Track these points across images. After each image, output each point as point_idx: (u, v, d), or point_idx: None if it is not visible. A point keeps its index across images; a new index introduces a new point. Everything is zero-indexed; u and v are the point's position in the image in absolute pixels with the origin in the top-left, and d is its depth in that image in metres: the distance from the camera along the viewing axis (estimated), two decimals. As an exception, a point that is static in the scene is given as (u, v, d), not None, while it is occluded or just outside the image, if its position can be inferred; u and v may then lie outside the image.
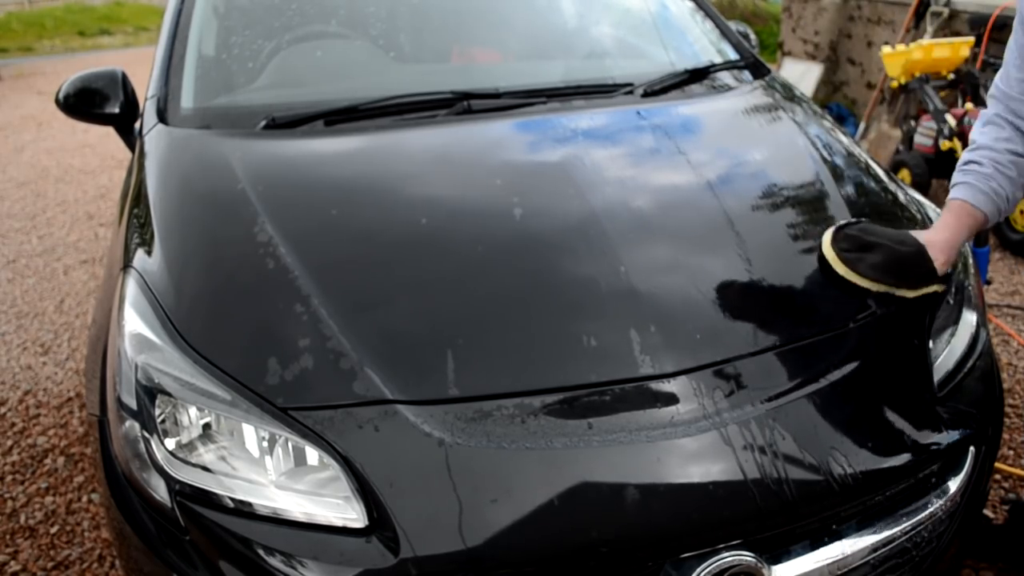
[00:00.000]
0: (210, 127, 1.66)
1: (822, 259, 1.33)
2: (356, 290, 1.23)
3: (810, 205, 1.50)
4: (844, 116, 5.62)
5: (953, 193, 1.38)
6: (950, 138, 3.99)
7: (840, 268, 1.30)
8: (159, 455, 1.11)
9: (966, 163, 1.38)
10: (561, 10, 2.31)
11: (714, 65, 1.99)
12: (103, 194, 5.15)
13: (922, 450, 1.19)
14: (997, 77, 1.38)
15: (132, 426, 1.13)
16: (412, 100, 1.70)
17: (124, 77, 2.07)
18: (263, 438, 1.08)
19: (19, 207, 4.92)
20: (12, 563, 1.94)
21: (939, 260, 1.31)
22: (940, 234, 1.34)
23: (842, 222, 1.38)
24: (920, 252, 1.31)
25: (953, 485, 1.24)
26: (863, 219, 1.40)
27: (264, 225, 1.32)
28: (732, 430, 1.08)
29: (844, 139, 1.81)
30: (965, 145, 3.97)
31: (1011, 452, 2.21)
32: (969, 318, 1.42)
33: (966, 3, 4.73)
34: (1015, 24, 1.32)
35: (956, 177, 1.39)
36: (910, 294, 1.31)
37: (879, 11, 5.66)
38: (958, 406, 1.27)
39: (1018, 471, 2.08)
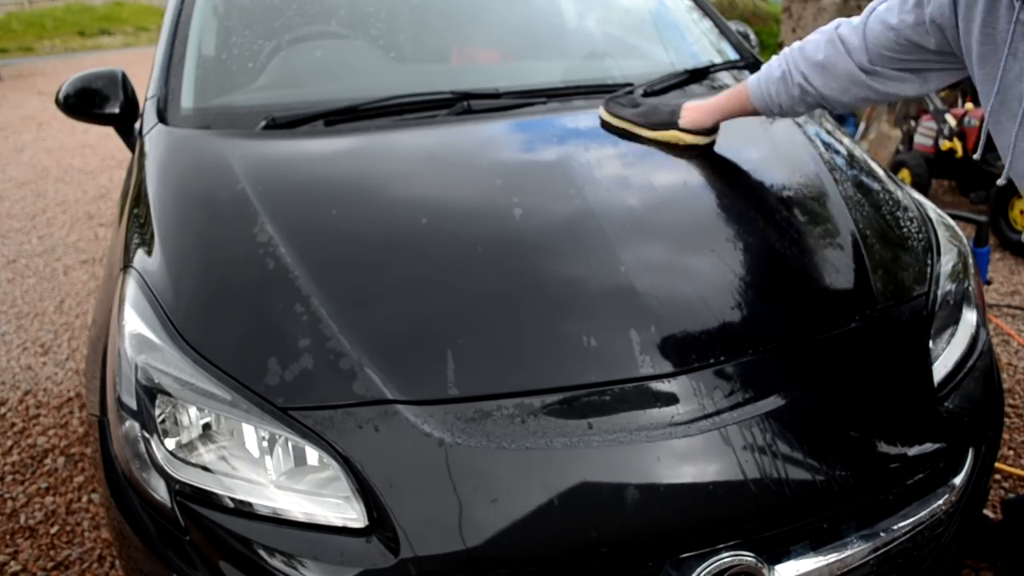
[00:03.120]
0: (210, 127, 1.66)
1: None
2: (356, 290, 1.23)
3: (810, 205, 1.50)
4: (844, 116, 5.62)
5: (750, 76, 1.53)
6: (950, 138, 3.99)
7: (600, 110, 1.62)
8: (159, 455, 1.11)
9: (777, 59, 1.46)
10: (561, 10, 2.31)
11: (714, 65, 1.99)
12: (103, 194, 5.15)
13: (922, 450, 1.19)
14: (870, 10, 1.35)
15: (132, 426, 1.13)
16: (412, 100, 1.70)
17: (124, 77, 2.07)
18: (263, 438, 1.08)
19: (19, 207, 4.93)
20: (12, 563, 1.94)
21: (686, 116, 1.53)
22: (705, 101, 1.55)
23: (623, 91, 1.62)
24: (674, 108, 1.55)
25: (953, 485, 1.24)
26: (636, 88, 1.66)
27: (264, 225, 1.32)
28: (732, 430, 1.08)
29: (844, 139, 1.81)
30: (965, 145, 3.99)
31: (1011, 452, 2.21)
32: (969, 318, 1.42)
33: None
34: None
35: (765, 64, 1.51)
36: (647, 133, 1.57)
37: (879, 11, 5.65)
38: (958, 406, 1.27)
39: (1018, 471, 2.08)
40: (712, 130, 1.57)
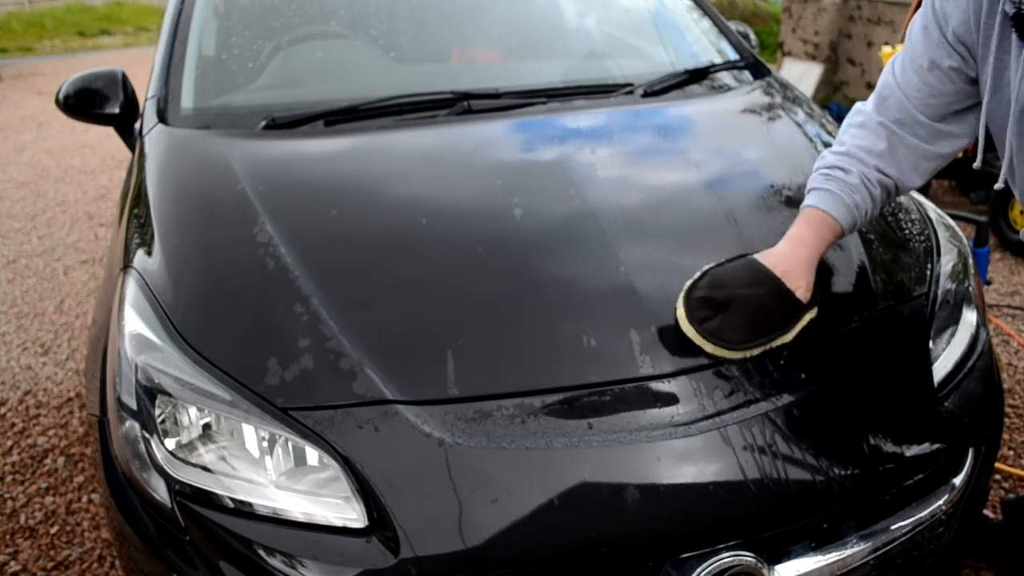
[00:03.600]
0: (210, 127, 1.66)
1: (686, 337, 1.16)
2: (356, 290, 1.23)
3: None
4: (844, 116, 5.62)
5: (812, 199, 1.25)
6: (967, 146, 3.99)
7: (709, 347, 1.14)
8: (159, 455, 1.11)
9: (831, 167, 1.26)
10: (561, 10, 2.31)
11: (714, 65, 1.99)
12: (103, 194, 5.15)
13: (922, 450, 1.19)
14: (893, 64, 1.25)
15: (132, 426, 1.13)
16: (412, 100, 1.70)
17: (124, 77, 2.08)
18: (263, 438, 1.08)
19: (19, 207, 4.93)
20: (12, 563, 1.94)
21: (800, 288, 1.18)
22: (796, 252, 1.20)
23: (688, 283, 1.21)
24: (778, 291, 1.17)
25: (953, 485, 1.24)
26: (705, 267, 1.23)
27: (264, 225, 1.32)
28: (732, 430, 1.08)
29: (844, 139, 1.81)
30: (965, 148, 3.98)
31: (1011, 452, 2.21)
32: (969, 318, 1.42)
33: (966, 3, 4.72)
34: (924, 7, 1.20)
35: (817, 181, 1.27)
36: (788, 338, 1.18)
37: (879, 11, 5.67)
38: (958, 406, 1.27)
39: (1018, 471, 2.08)
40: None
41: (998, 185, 1.21)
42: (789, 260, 1.20)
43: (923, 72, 1.20)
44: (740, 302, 1.17)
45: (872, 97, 1.29)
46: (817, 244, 1.22)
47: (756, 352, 1.17)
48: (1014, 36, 1.07)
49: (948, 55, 1.17)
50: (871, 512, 1.16)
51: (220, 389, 1.11)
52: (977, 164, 1.23)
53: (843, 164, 1.25)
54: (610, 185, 1.45)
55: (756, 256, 1.23)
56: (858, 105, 1.31)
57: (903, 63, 1.24)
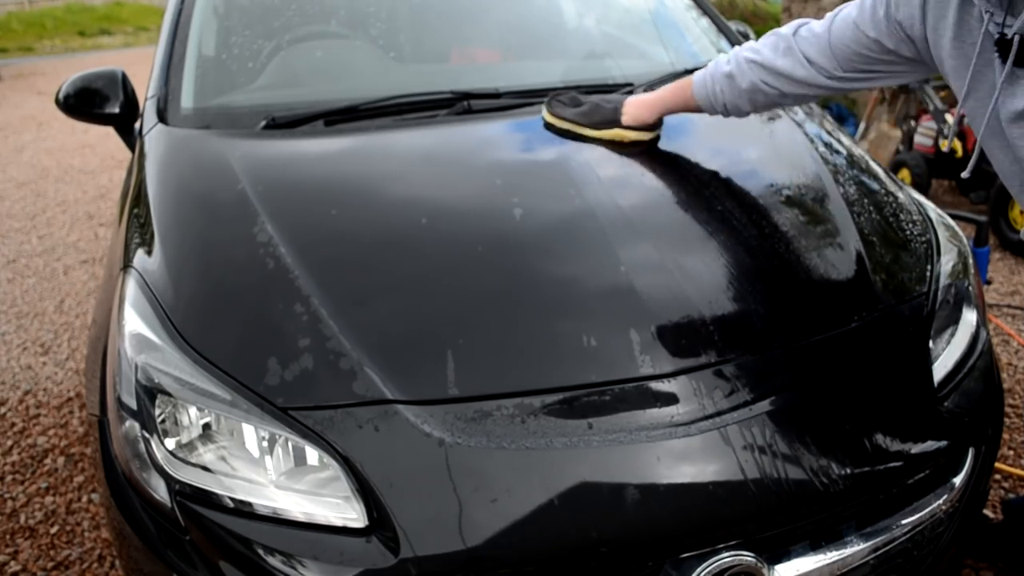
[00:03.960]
0: (210, 127, 1.66)
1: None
2: (356, 290, 1.23)
3: (810, 205, 1.50)
4: (844, 116, 5.62)
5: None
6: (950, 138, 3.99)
7: (542, 111, 1.59)
8: (159, 455, 1.11)
9: (726, 58, 1.45)
10: (561, 10, 2.31)
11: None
12: (103, 194, 5.15)
13: (922, 450, 1.19)
14: (835, 15, 1.33)
15: (132, 426, 1.13)
16: (412, 100, 1.70)
17: (124, 77, 2.08)
18: (263, 438, 1.08)
19: (19, 207, 4.93)
20: (12, 563, 1.94)
21: (628, 112, 1.52)
22: (645, 96, 1.54)
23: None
24: (616, 105, 1.53)
25: (953, 485, 1.24)
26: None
27: (264, 225, 1.32)
28: (732, 430, 1.08)
29: (844, 139, 1.81)
30: (965, 145, 3.99)
31: (1011, 452, 2.21)
32: (969, 318, 1.42)
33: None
34: None
35: (713, 61, 1.49)
36: (590, 132, 1.54)
37: (879, 11, 5.65)
38: (958, 406, 1.27)
39: (1018, 471, 2.08)
40: (655, 125, 1.57)
41: (964, 174, 1.27)
42: (636, 98, 1.56)
43: (860, 35, 1.28)
44: (589, 102, 1.58)
45: (800, 27, 1.37)
46: (665, 95, 1.54)
47: (560, 126, 1.59)
48: (996, 57, 1.10)
49: (889, 36, 1.25)
50: (871, 512, 1.16)
51: (220, 389, 1.11)
52: (966, 174, 1.28)
53: (734, 57, 1.44)
54: (610, 185, 1.45)
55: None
56: (787, 26, 1.40)
57: (843, 19, 1.30)
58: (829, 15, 1.34)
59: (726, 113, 1.49)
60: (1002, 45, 1.08)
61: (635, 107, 1.54)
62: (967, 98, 1.17)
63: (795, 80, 1.37)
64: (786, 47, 1.37)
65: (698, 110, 1.52)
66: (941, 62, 1.20)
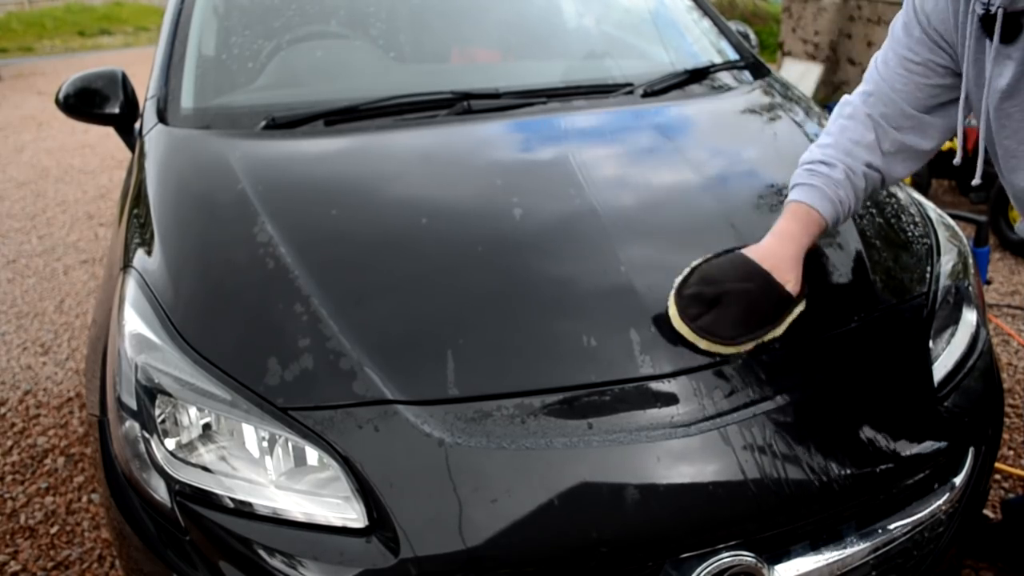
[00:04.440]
0: (210, 127, 1.66)
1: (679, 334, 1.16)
2: (356, 290, 1.23)
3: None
4: (844, 116, 5.62)
5: (797, 194, 1.26)
6: (950, 138, 3.99)
7: (703, 344, 1.14)
8: (159, 455, 1.11)
9: (815, 161, 1.27)
10: (561, 10, 2.31)
11: (714, 65, 1.99)
12: (103, 194, 5.15)
13: (922, 450, 1.19)
14: (876, 59, 1.27)
15: (132, 426, 1.13)
16: (412, 100, 1.70)
17: (124, 77, 2.08)
18: (263, 438, 1.08)
19: (19, 207, 4.93)
20: (12, 563, 1.94)
21: (789, 283, 1.19)
22: (783, 247, 1.21)
23: (678, 280, 1.21)
24: (768, 285, 1.18)
25: (953, 485, 1.24)
26: (693, 263, 1.23)
27: (264, 225, 1.32)
28: (732, 430, 1.08)
29: (844, 139, 1.81)
30: (965, 145, 3.99)
31: (1011, 452, 2.21)
32: (969, 318, 1.42)
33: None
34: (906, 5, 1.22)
35: (801, 176, 1.28)
36: (778, 332, 1.19)
37: (879, 11, 5.67)
38: (958, 406, 1.27)
39: (1018, 471, 2.08)
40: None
41: (975, 181, 1.23)
42: (777, 254, 1.21)
43: (907, 65, 1.22)
44: (731, 297, 1.17)
45: (858, 90, 1.30)
46: (803, 238, 1.23)
47: (749, 347, 1.17)
48: (982, 34, 1.09)
49: (930, 50, 1.19)
50: (871, 512, 1.16)
51: (220, 389, 1.11)
52: (976, 181, 1.23)
53: (828, 158, 1.26)
54: (610, 185, 1.45)
55: (743, 251, 1.23)
56: (846, 97, 1.32)
57: (886, 58, 1.25)
58: (870, 65, 1.28)
59: (847, 217, 1.30)
60: (986, 22, 1.06)
61: (791, 273, 1.20)
62: (971, 87, 1.15)
63: (888, 146, 1.26)
64: (863, 121, 1.26)
65: (824, 232, 1.29)
66: (959, 55, 1.17)
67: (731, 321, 1.15)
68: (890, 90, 1.25)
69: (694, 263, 1.24)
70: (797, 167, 1.31)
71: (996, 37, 1.05)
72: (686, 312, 1.16)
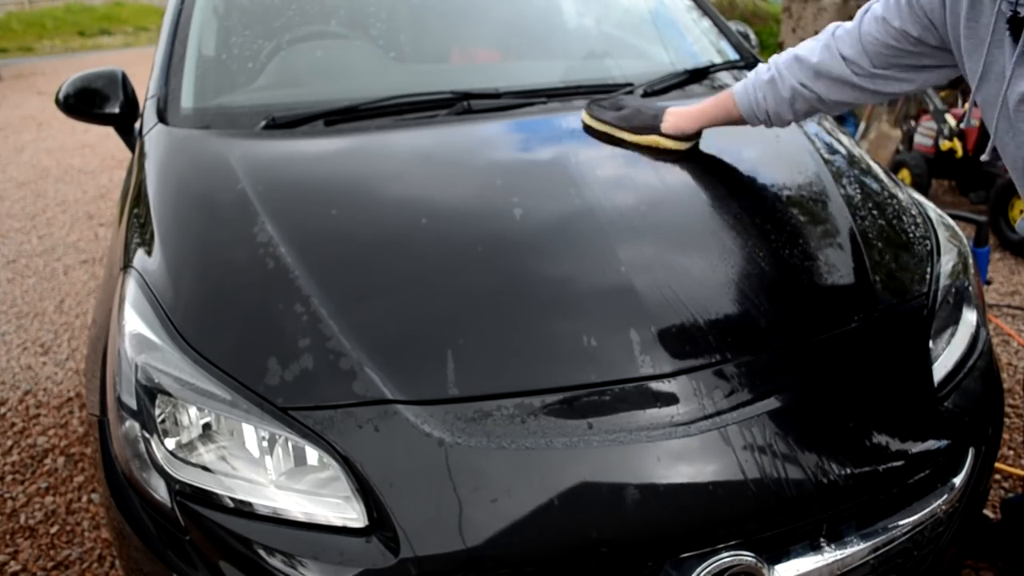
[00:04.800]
0: (210, 127, 1.66)
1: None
2: (356, 290, 1.23)
3: (810, 205, 1.50)
4: (844, 116, 5.61)
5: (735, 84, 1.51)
6: (950, 138, 3.99)
7: (582, 114, 1.62)
8: (159, 455, 1.11)
9: (766, 65, 1.46)
10: (561, 10, 2.31)
11: (714, 65, 1.99)
12: (103, 194, 5.15)
13: (922, 450, 1.19)
14: (862, 14, 1.34)
15: (132, 426, 1.13)
16: (412, 100, 1.70)
17: (124, 77, 2.07)
18: (263, 438, 1.08)
19: (19, 207, 4.93)
20: (12, 563, 1.94)
21: (668, 120, 1.53)
22: (686, 107, 1.54)
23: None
24: (657, 112, 1.55)
25: (953, 485, 1.24)
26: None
27: (264, 225, 1.32)
28: (732, 430, 1.08)
29: (844, 139, 1.81)
30: (965, 145, 3.99)
31: (1011, 452, 2.21)
32: (969, 318, 1.42)
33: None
34: None
35: (753, 71, 1.49)
36: (628, 137, 1.56)
37: (879, 11, 5.65)
38: (958, 406, 1.27)
39: (1018, 471, 2.08)
40: (694, 136, 1.56)
41: (984, 157, 1.26)
42: (677, 108, 1.56)
43: (887, 27, 1.28)
44: (626, 109, 1.59)
45: (837, 27, 1.39)
46: (707, 107, 1.53)
47: (599, 128, 1.60)
48: (1007, 35, 1.09)
49: (913, 24, 1.25)
50: (871, 512, 1.16)
51: (220, 389, 1.11)
52: (986, 156, 1.26)
53: (772, 63, 1.45)
54: (610, 185, 1.45)
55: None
56: (826, 28, 1.41)
57: (872, 16, 1.31)
58: (859, 12, 1.35)
59: (768, 123, 1.48)
60: (1014, 24, 1.07)
61: (676, 116, 1.54)
62: (981, 82, 1.17)
63: (831, 79, 1.35)
64: (823, 45, 1.37)
65: (740, 121, 1.51)
66: (958, 45, 1.19)
67: (612, 114, 1.59)
68: (858, 39, 1.32)
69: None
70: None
71: (1023, 40, 1.06)
72: (596, 102, 1.64)
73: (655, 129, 1.55)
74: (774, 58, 1.46)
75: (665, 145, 1.55)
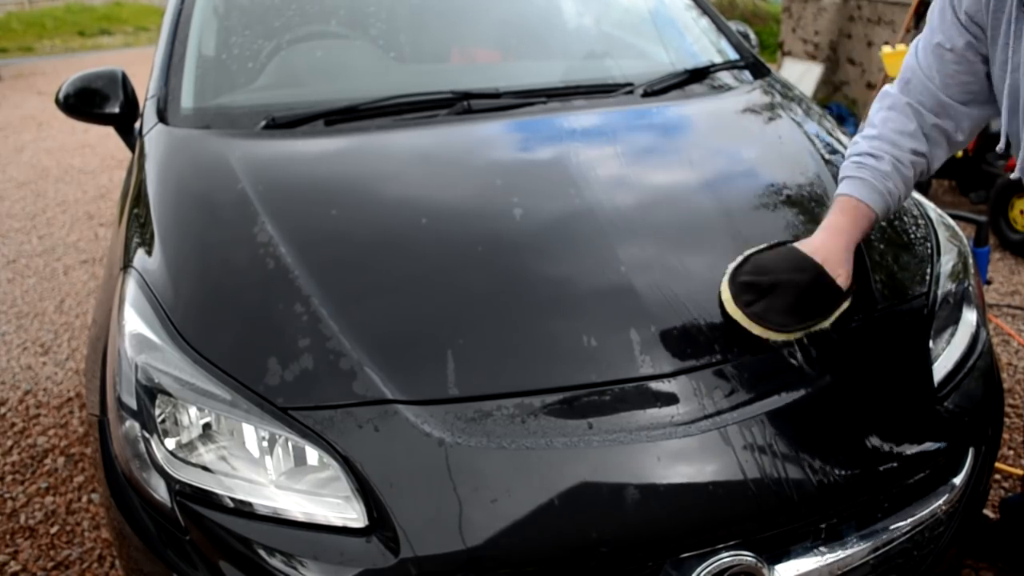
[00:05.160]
0: (210, 127, 1.66)
1: (731, 319, 1.20)
2: (356, 290, 1.23)
3: (810, 205, 1.50)
4: (844, 116, 5.63)
5: (845, 188, 1.28)
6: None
7: (757, 330, 1.18)
8: (159, 455, 1.11)
9: (862, 154, 1.29)
10: (561, 10, 2.31)
11: (714, 65, 1.99)
12: (103, 194, 5.15)
13: (922, 450, 1.19)
14: (915, 47, 1.29)
15: (132, 426, 1.13)
16: (412, 100, 1.70)
17: (124, 77, 2.07)
18: (263, 438, 1.08)
19: (19, 207, 4.93)
20: (12, 563, 1.94)
21: (840, 276, 1.21)
22: (834, 241, 1.24)
23: (731, 267, 1.25)
24: (820, 277, 1.20)
25: (953, 485, 1.24)
26: (747, 252, 1.27)
27: (264, 225, 1.32)
28: (732, 430, 1.08)
29: (844, 139, 1.81)
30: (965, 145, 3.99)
31: (1011, 452, 2.21)
32: (969, 318, 1.42)
33: (966, 3, 4.72)
34: None
35: (849, 169, 1.30)
36: (826, 324, 1.22)
37: (879, 11, 5.67)
38: (958, 406, 1.27)
39: (1018, 471, 2.08)
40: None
41: (1000, 147, 1.23)
42: (828, 247, 1.23)
43: (941, 52, 1.24)
44: (784, 287, 1.20)
45: (897, 81, 1.33)
46: (853, 232, 1.25)
47: (798, 335, 1.20)
48: None
49: (960, 34, 1.21)
50: (871, 512, 1.16)
51: (220, 389, 1.11)
52: (1000, 147, 1.24)
53: (874, 150, 1.28)
54: (610, 185, 1.45)
55: (796, 244, 1.25)
56: (886, 88, 1.35)
57: (924, 45, 1.27)
58: (907, 58, 1.30)
59: (897, 207, 1.32)
60: None
61: (842, 267, 1.22)
62: (1003, 73, 1.14)
63: (931, 136, 1.28)
64: (901, 111, 1.29)
65: (875, 224, 1.31)
66: (994, 42, 1.17)
67: (783, 309, 1.19)
68: (925, 78, 1.27)
69: (747, 252, 1.27)
70: (845, 159, 1.34)
71: None
72: (739, 298, 1.19)
73: (841, 295, 1.22)
74: (866, 146, 1.29)
75: (848, 304, 1.25)
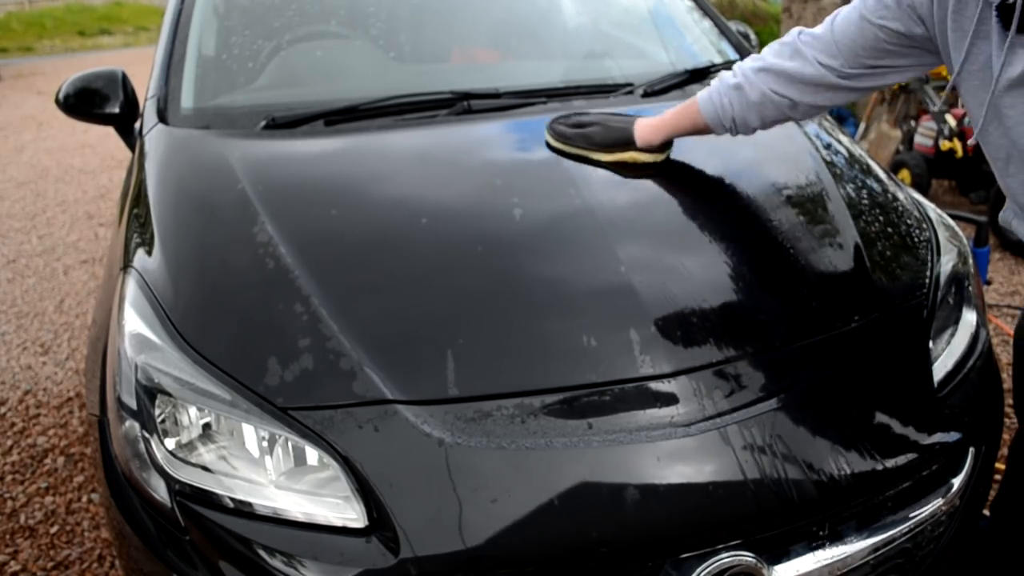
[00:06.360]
0: (210, 127, 1.66)
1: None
2: (356, 290, 1.23)
3: (810, 205, 1.50)
4: (844, 116, 5.62)
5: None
6: (950, 138, 3.99)
7: (546, 135, 1.55)
8: (159, 455, 1.11)
9: (734, 72, 1.42)
10: (561, 10, 2.31)
11: (714, 65, 1.99)
12: (103, 194, 5.16)
13: (922, 450, 1.19)
14: (834, 16, 1.33)
15: (132, 426, 1.13)
16: (412, 100, 1.70)
17: (124, 77, 2.07)
18: (263, 438, 1.08)
19: (19, 207, 4.93)
20: (12, 563, 1.94)
21: (638, 133, 1.49)
22: (651, 118, 1.51)
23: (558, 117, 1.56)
24: (625, 126, 1.50)
25: (953, 485, 1.24)
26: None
27: (264, 225, 1.32)
28: (732, 430, 1.08)
29: (844, 139, 1.81)
30: (965, 145, 3.99)
31: (1011, 452, 2.20)
32: (969, 318, 1.42)
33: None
34: None
35: (717, 78, 1.46)
36: (602, 156, 1.51)
37: (879, 11, 5.65)
38: (958, 406, 1.27)
39: (1018, 471, 2.08)
40: (664, 147, 1.52)
41: (971, 141, 1.27)
42: (645, 121, 1.52)
43: (865, 25, 1.26)
44: (594, 123, 1.53)
45: (801, 32, 1.37)
46: (674, 117, 1.49)
47: (571, 151, 1.52)
48: (996, 24, 1.09)
49: (895, 18, 1.24)
50: (871, 512, 1.16)
51: (220, 389, 1.11)
52: (972, 141, 1.27)
53: (738, 69, 1.41)
54: (610, 185, 1.45)
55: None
56: (788, 34, 1.39)
57: (846, 17, 1.30)
58: (828, 19, 1.34)
59: (734, 130, 1.44)
60: (1004, 11, 1.07)
61: (645, 129, 1.50)
62: (963, 73, 1.17)
63: (804, 82, 1.34)
64: (792, 50, 1.35)
65: (706, 130, 1.47)
66: (944, 39, 1.19)
67: (577, 133, 1.53)
68: (833, 42, 1.31)
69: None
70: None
71: (1014, 27, 1.06)
72: (556, 120, 1.57)
73: (630, 144, 1.50)
74: (739, 65, 1.42)
75: (642, 160, 1.50)
